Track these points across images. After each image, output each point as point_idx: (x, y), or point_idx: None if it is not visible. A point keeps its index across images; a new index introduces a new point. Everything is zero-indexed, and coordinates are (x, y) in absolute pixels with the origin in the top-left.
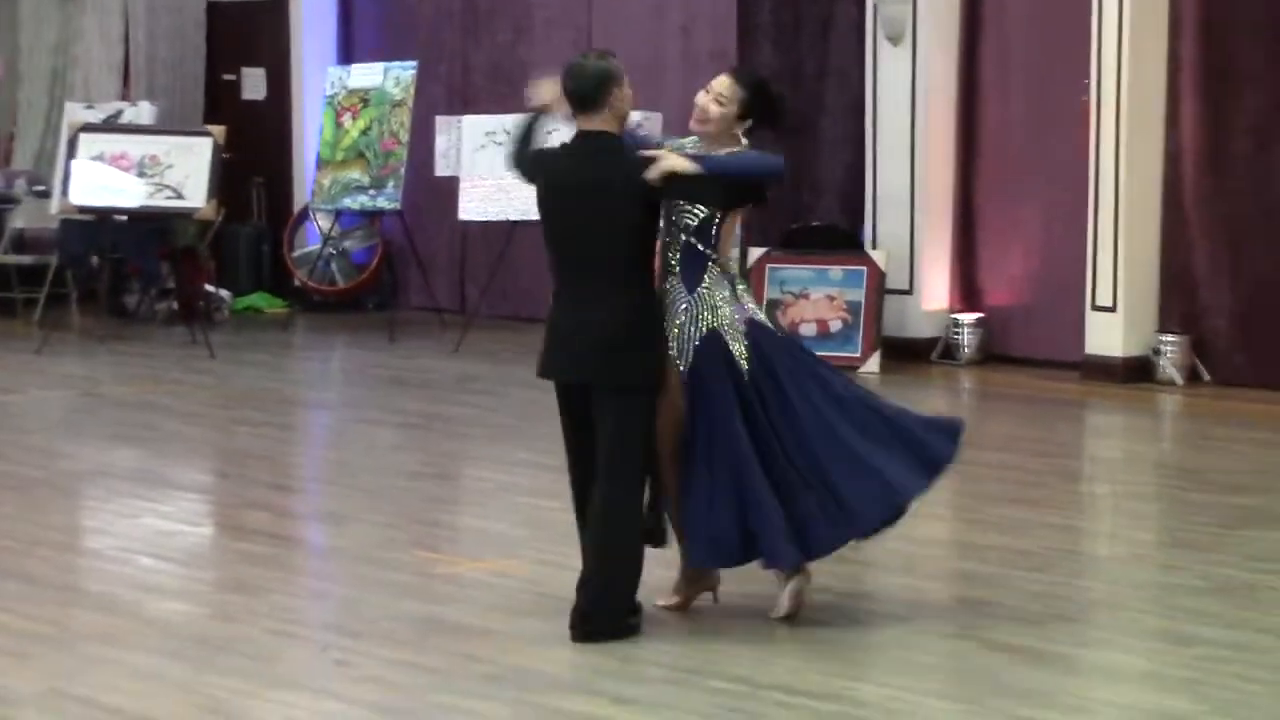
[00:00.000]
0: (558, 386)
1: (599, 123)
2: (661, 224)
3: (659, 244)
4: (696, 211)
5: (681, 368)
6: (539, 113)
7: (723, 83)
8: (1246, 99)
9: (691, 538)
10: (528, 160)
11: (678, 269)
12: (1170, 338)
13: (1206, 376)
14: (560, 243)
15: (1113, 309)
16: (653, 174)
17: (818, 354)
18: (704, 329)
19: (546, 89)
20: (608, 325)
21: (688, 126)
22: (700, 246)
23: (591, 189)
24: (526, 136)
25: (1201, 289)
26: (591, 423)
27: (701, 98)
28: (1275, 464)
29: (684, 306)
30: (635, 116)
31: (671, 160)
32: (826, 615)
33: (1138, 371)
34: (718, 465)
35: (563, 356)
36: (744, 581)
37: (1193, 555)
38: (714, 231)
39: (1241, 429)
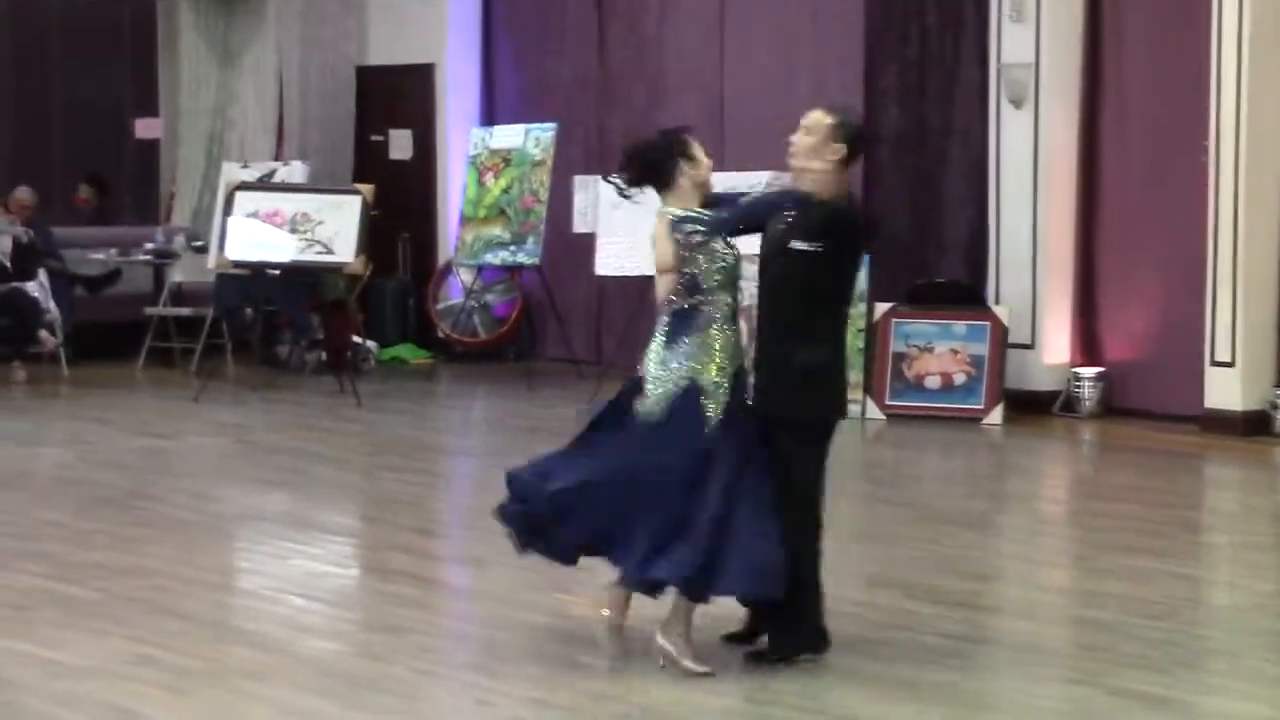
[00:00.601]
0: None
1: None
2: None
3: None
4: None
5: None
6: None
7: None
8: None
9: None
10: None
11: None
12: None
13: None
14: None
15: (1231, 364)
16: None
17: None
18: None
19: None
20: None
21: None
22: (686, 302)
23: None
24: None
25: None
26: None
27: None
28: None
29: (649, 356)
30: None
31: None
32: (949, 660)
33: (1256, 425)
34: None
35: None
36: (881, 628)
37: None
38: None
39: None
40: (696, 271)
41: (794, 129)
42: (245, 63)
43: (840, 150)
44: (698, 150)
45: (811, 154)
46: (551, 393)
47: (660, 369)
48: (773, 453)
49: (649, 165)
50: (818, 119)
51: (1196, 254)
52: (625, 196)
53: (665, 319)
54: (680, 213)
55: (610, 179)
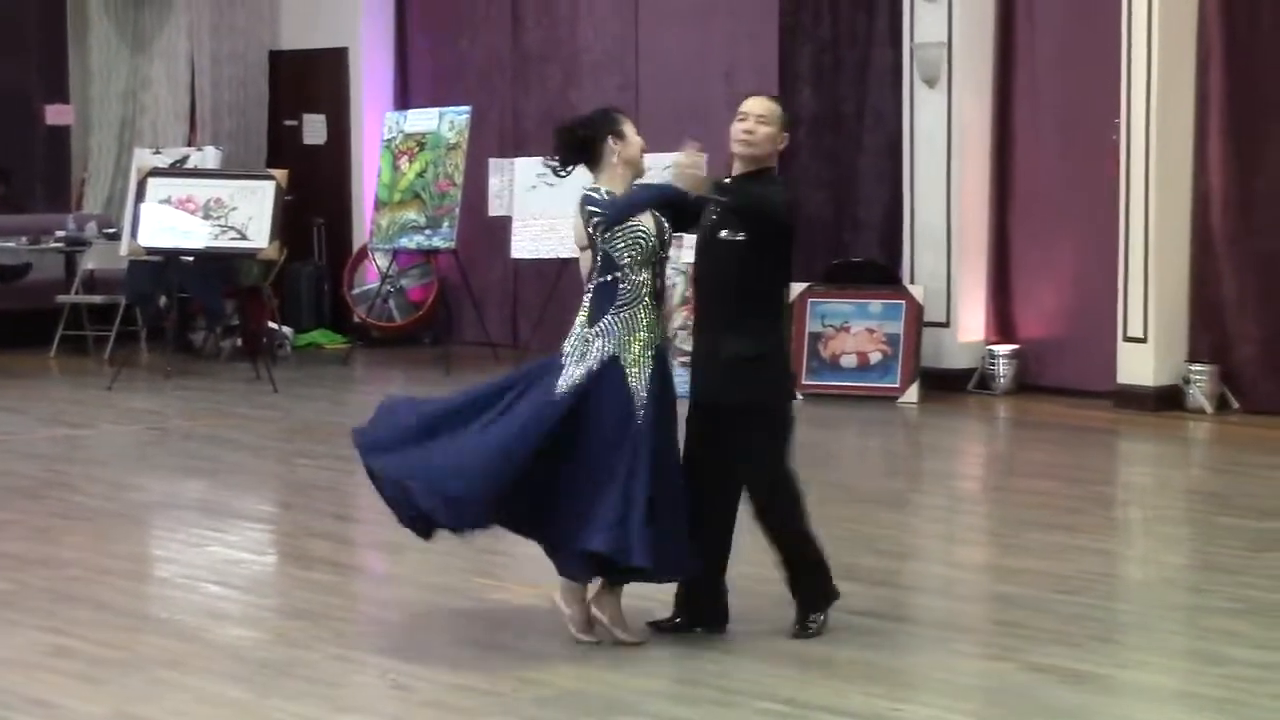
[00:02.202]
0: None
1: None
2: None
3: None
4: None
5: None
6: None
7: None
8: (1273, 134)
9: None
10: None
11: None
12: (1199, 367)
13: (1235, 404)
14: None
15: (1144, 340)
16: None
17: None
18: None
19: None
20: None
21: (724, 170)
22: (604, 276)
23: None
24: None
25: (1229, 319)
26: None
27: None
28: None
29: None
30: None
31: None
32: (868, 638)
33: (1168, 400)
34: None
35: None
36: (779, 604)
37: (1223, 578)
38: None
39: (1269, 455)
40: (609, 249)
41: (708, 113)
42: (157, 48)
43: (785, 139)
44: (628, 128)
45: (770, 142)
46: (468, 376)
47: (582, 345)
48: (721, 440)
49: (578, 142)
50: (772, 108)
51: (1109, 231)
52: (559, 175)
53: (588, 294)
54: (588, 192)
55: (546, 161)
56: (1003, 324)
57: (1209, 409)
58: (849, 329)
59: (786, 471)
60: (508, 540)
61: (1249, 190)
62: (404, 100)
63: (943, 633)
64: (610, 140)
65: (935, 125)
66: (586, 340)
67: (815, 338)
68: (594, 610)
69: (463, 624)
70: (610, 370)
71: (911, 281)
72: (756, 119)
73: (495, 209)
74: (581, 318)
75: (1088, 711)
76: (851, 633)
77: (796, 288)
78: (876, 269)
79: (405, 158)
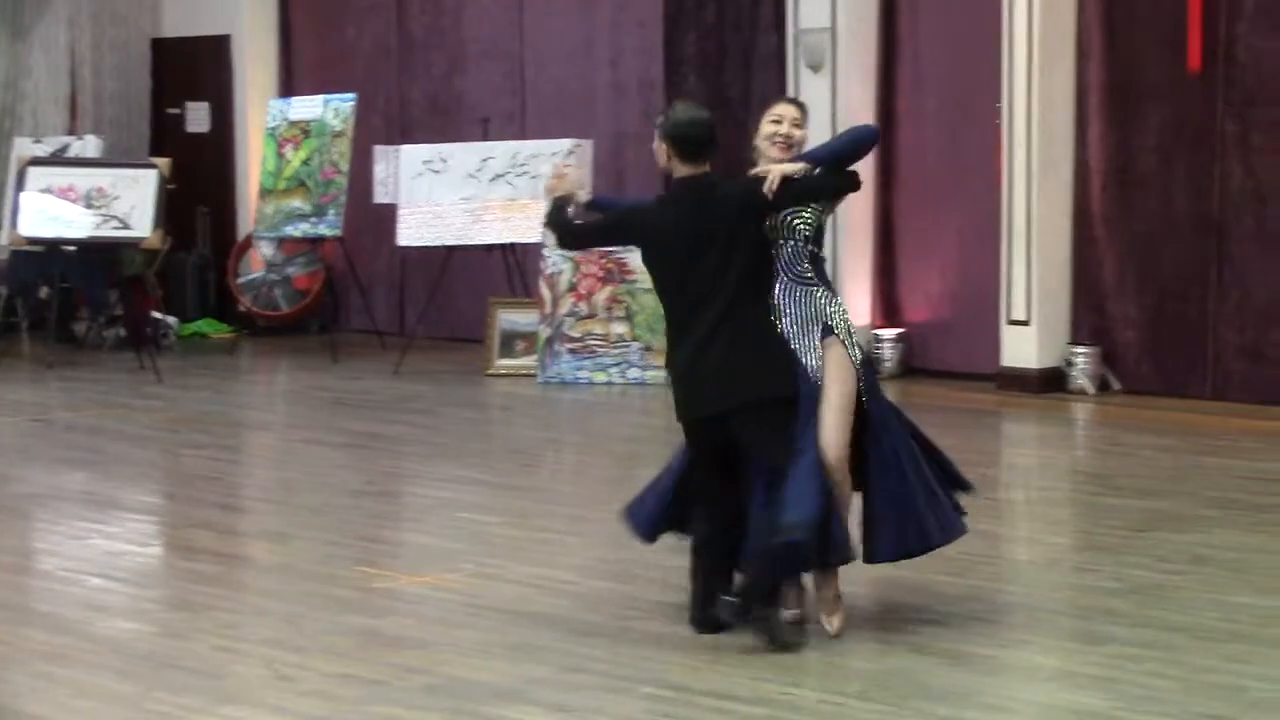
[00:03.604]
0: (699, 422)
1: (705, 167)
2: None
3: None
4: (808, 216)
5: (857, 355)
6: (564, 202)
7: (792, 110)
8: (1150, 118)
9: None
10: (601, 231)
11: (811, 274)
12: (1081, 349)
13: (1116, 385)
14: (685, 286)
15: (1026, 323)
16: (771, 184)
17: None
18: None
19: (570, 179)
20: (752, 344)
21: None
22: (818, 249)
23: (712, 226)
24: (563, 219)
25: (1110, 302)
26: (727, 448)
27: (777, 128)
28: (1182, 468)
29: (835, 300)
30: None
31: (778, 168)
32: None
33: (1051, 382)
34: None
35: (714, 389)
36: (668, 590)
37: (1105, 557)
38: (823, 231)
39: (1150, 435)
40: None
41: (594, 99)
42: (37, 36)
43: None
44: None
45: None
46: (355, 365)
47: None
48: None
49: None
50: (799, 114)
51: (991, 215)
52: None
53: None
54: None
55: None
56: (888, 308)
57: (1091, 390)
58: None
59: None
60: (391, 528)
61: (1128, 174)
62: (288, 87)
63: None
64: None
65: (820, 110)
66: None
67: None
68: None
69: (348, 613)
70: None
71: None
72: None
73: (381, 196)
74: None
75: (971, 692)
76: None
77: None
78: None
79: (290, 145)
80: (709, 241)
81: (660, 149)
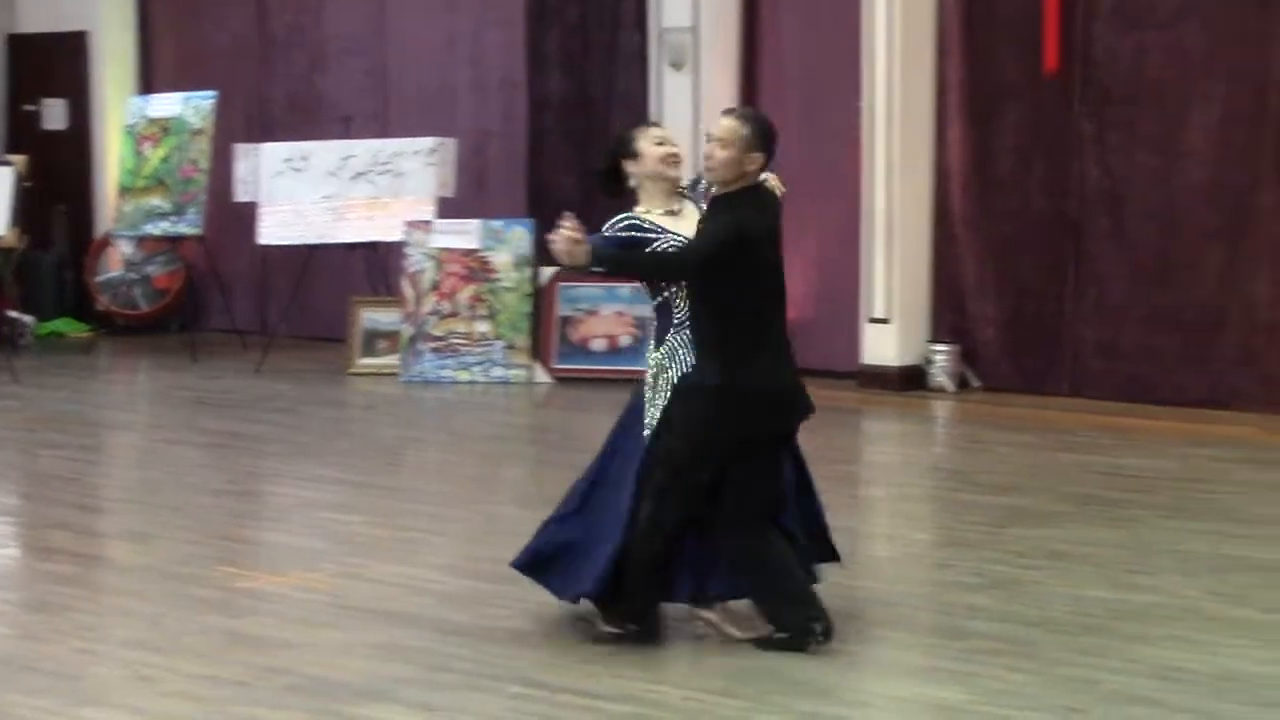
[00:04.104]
0: (775, 437)
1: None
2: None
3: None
4: None
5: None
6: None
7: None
8: (1009, 118)
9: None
10: (724, 247)
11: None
12: (941, 347)
13: (976, 383)
14: (778, 292)
15: (887, 321)
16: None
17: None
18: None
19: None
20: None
21: (472, 155)
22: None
23: (779, 227)
24: (652, 259)
25: (970, 300)
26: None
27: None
28: (1040, 465)
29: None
30: (429, 143)
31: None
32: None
33: (911, 380)
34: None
35: (803, 397)
36: (531, 587)
37: (965, 553)
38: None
39: (1008, 433)
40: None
41: (455, 98)
42: None
43: (760, 159)
44: (644, 143)
45: (731, 167)
46: (216, 364)
47: (655, 370)
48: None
49: (607, 177)
50: (733, 129)
51: (852, 214)
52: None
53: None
54: (608, 231)
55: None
56: None
57: (950, 388)
58: (598, 313)
59: None
60: (253, 528)
61: (987, 173)
62: (147, 85)
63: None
64: (625, 164)
65: (682, 108)
66: (659, 361)
67: (565, 322)
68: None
69: (209, 613)
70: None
71: None
72: (717, 144)
73: (242, 195)
74: (650, 344)
75: (831, 687)
76: (596, 614)
77: (545, 272)
78: None
79: (149, 143)
80: (780, 245)
81: (738, 154)
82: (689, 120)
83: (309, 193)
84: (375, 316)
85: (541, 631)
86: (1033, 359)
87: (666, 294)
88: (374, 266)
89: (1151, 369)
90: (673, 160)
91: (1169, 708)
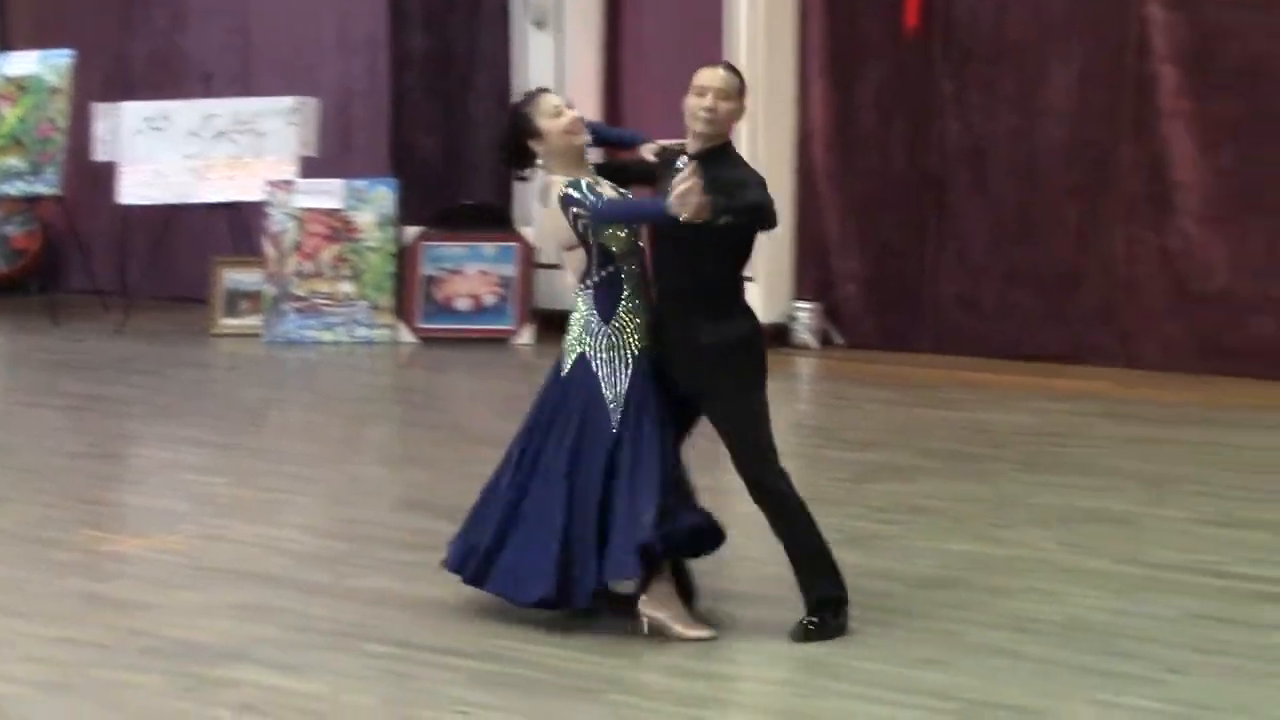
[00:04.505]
0: None
1: None
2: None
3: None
4: None
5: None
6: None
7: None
8: (870, 77)
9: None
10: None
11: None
12: (805, 304)
13: (839, 340)
14: None
15: (750, 279)
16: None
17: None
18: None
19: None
20: None
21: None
22: None
23: None
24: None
25: (833, 258)
26: None
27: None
28: (900, 421)
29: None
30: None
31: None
32: None
33: (776, 337)
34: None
35: None
36: (413, 550)
37: (828, 509)
38: None
39: (870, 389)
40: (605, 243)
41: (320, 56)
42: None
43: (744, 109)
44: (543, 120)
45: (736, 117)
46: (77, 326)
47: (607, 344)
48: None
49: (513, 158)
50: (732, 81)
51: None
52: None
53: (589, 293)
54: (567, 191)
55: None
56: None
57: (814, 345)
58: (463, 272)
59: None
60: (114, 490)
61: (849, 132)
62: (3, 43)
63: None
64: (531, 143)
65: (545, 67)
66: (609, 337)
67: (429, 281)
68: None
69: (69, 576)
70: (637, 364)
71: (524, 224)
72: (717, 95)
73: (101, 154)
74: (590, 318)
75: (700, 646)
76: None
77: (410, 232)
78: (489, 212)
79: (5, 102)
80: None
81: (739, 104)
82: (553, 79)
83: (170, 152)
84: (238, 277)
85: (402, 591)
86: (895, 315)
87: (614, 268)
88: (236, 226)
89: (1011, 325)
90: (578, 126)
91: (1025, 658)
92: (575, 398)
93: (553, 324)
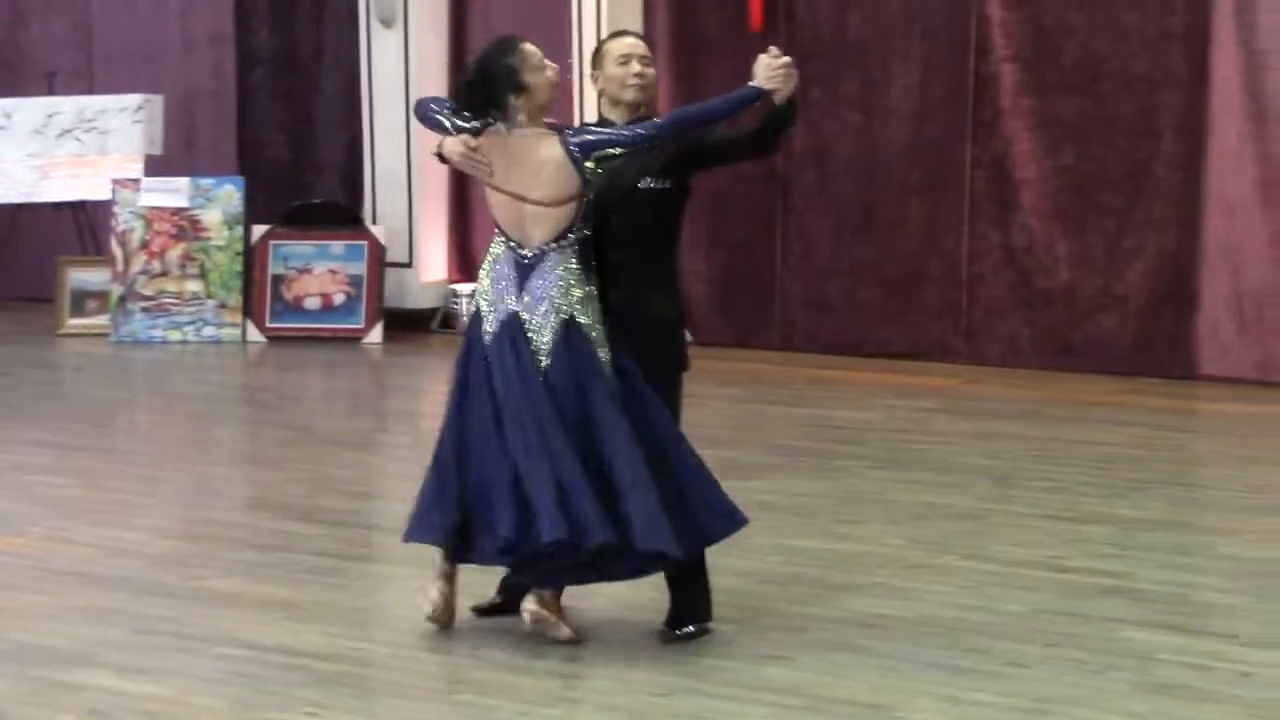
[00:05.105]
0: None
1: None
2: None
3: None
4: None
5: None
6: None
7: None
8: (713, 75)
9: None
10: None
11: None
12: None
13: (690, 337)
14: None
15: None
16: None
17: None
18: None
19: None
20: None
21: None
22: None
23: None
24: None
25: (685, 255)
26: None
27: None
28: (749, 417)
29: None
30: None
31: None
32: (331, 578)
33: None
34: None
35: None
36: (262, 550)
37: None
38: None
39: (718, 386)
40: (589, 196)
41: (164, 52)
42: None
43: None
44: (530, 73)
45: (655, 84)
46: None
47: (591, 307)
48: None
49: (480, 105)
50: (646, 47)
51: None
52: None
53: (565, 252)
54: (583, 136)
55: (459, 125)
56: (465, 263)
57: None
58: (311, 271)
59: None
60: None
61: None
62: None
63: (405, 570)
64: (510, 99)
65: (393, 65)
66: (591, 300)
67: (278, 280)
68: (532, 605)
69: None
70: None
71: (373, 222)
72: (642, 61)
73: None
74: (572, 276)
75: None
76: (314, 574)
77: (258, 230)
78: (338, 210)
79: None
80: None
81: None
82: (400, 77)
83: (13, 151)
84: (84, 276)
85: (249, 592)
86: (743, 313)
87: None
88: (82, 225)
89: (857, 322)
90: (557, 79)
91: (871, 654)
92: (575, 361)
93: (404, 323)
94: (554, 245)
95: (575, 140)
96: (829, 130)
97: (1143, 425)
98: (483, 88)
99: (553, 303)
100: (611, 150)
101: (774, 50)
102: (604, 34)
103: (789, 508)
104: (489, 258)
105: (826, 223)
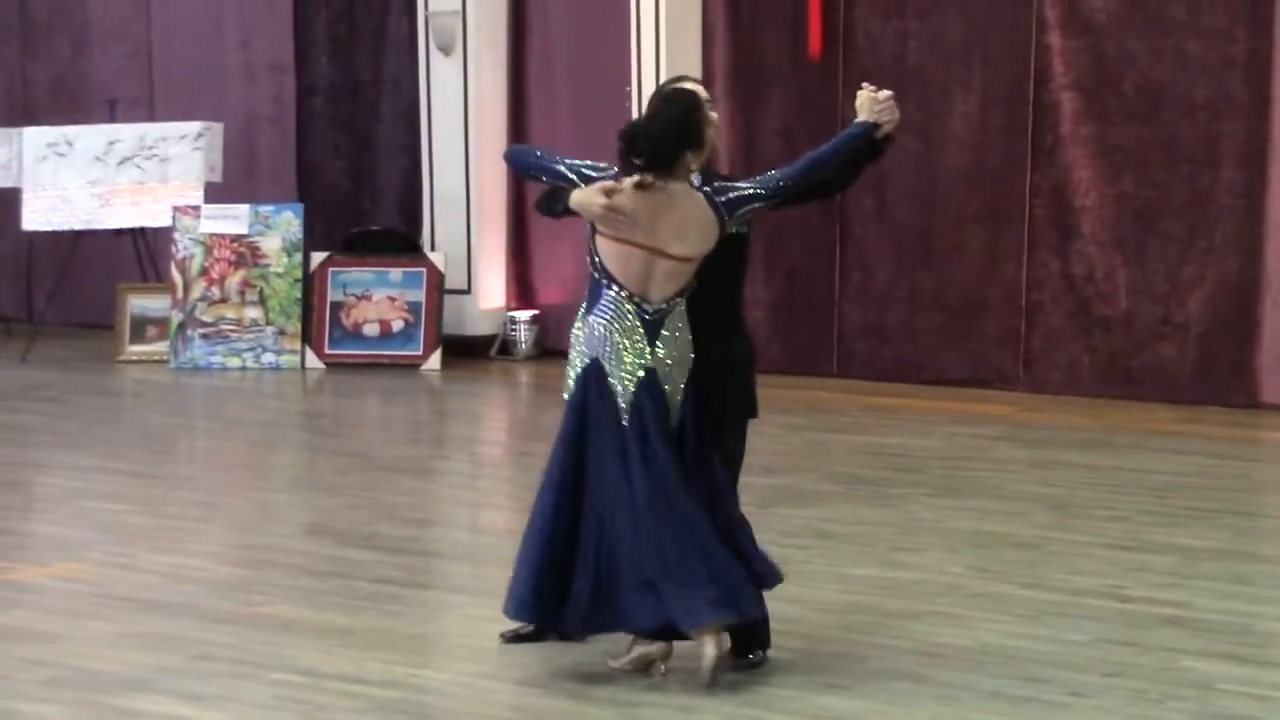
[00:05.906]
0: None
1: None
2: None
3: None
4: None
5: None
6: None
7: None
8: (773, 102)
9: None
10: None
11: None
12: None
13: None
14: None
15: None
16: None
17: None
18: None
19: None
20: None
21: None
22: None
23: None
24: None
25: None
26: None
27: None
28: (807, 445)
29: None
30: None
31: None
32: (390, 605)
33: None
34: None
35: None
36: (320, 577)
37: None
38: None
39: (777, 414)
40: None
41: (225, 81)
42: None
43: None
44: (710, 128)
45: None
46: None
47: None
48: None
49: (671, 156)
50: (707, 93)
51: None
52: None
53: (671, 314)
54: (730, 194)
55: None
56: (522, 290)
57: None
58: (370, 297)
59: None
60: (18, 519)
61: (753, 156)
62: None
63: (462, 597)
64: (690, 153)
65: (452, 93)
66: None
67: (337, 307)
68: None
69: None
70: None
71: (432, 249)
72: (707, 104)
73: (4, 180)
74: (689, 334)
75: (598, 672)
76: (373, 601)
77: (317, 257)
78: (397, 237)
79: None
80: None
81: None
82: (459, 104)
83: (74, 178)
84: (143, 303)
85: (306, 619)
86: (801, 340)
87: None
88: (141, 252)
89: (916, 350)
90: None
91: (930, 683)
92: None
93: (462, 350)
94: (678, 300)
95: (721, 200)
96: (888, 158)
97: (1203, 454)
98: (670, 139)
99: (684, 360)
100: (754, 206)
101: (869, 86)
102: (663, 62)
103: (847, 535)
104: (603, 311)
105: (885, 250)
